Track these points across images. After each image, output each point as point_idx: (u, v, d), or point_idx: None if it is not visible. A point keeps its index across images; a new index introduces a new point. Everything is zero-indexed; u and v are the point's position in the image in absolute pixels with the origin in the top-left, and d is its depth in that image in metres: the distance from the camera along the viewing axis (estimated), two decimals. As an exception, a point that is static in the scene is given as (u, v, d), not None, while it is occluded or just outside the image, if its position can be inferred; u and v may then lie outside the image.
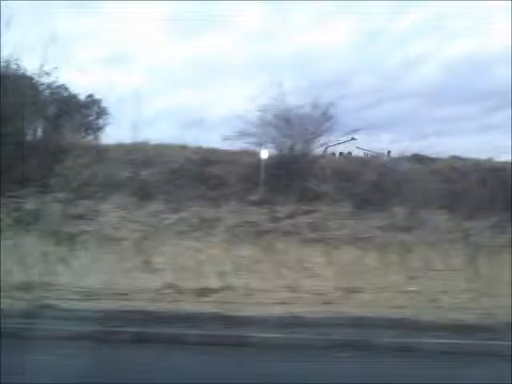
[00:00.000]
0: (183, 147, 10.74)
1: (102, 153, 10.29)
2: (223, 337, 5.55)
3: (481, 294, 7.23)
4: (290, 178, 9.75)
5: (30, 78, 11.43)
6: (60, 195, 9.15)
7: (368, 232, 8.82)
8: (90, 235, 8.48)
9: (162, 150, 10.61)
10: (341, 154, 14.23)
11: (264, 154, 10.11)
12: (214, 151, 10.69)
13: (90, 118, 15.78)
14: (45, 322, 5.67)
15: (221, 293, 7.32)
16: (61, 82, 12.41)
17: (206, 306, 6.61)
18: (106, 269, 7.69)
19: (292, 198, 9.45)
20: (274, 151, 10.46)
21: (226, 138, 10.66)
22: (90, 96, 15.46)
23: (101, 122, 15.95)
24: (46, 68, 11.04)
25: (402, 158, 10.67)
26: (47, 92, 12.27)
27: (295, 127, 10.35)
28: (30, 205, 8.96)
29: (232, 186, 9.75)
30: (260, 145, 10.46)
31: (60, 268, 7.79)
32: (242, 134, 10.42)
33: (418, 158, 10.74)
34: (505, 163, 10.41)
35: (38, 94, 11.75)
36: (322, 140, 10.81)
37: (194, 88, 34.01)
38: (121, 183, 9.52)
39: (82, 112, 15.12)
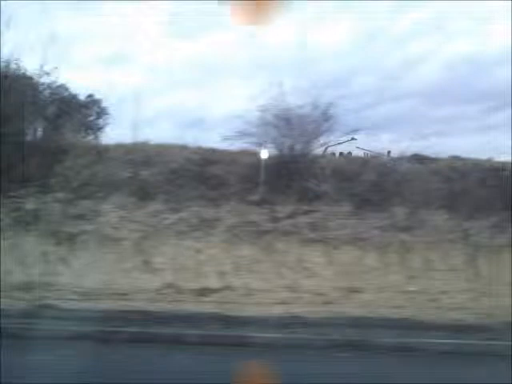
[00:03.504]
0: (183, 147, 10.75)
1: (102, 153, 10.30)
2: (223, 337, 5.55)
3: (481, 294, 7.23)
4: (290, 177, 9.75)
5: (30, 78, 11.44)
6: (60, 195, 9.14)
7: (368, 232, 8.82)
8: (90, 235, 8.48)
9: (162, 149, 10.62)
10: (341, 154, 14.25)
11: (264, 154, 10.12)
12: (213, 151, 10.70)
13: (90, 118, 15.80)
14: (45, 322, 5.66)
15: (221, 293, 7.32)
16: (61, 81, 12.46)
17: (206, 306, 6.61)
18: (106, 269, 7.69)
19: (292, 198, 9.45)
20: (274, 151, 10.47)
21: (225, 138, 10.68)
22: (90, 96, 15.50)
23: (101, 122, 16.01)
24: (46, 68, 11.09)
25: (402, 158, 10.67)
26: (47, 92, 12.27)
27: (295, 127, 10.35)
28: (29, 205, 8.95)
29: (232, 185, 9.76)
30: (260, 145, 10.48)
31: (60, 268, 7.78)
32: (242, 134, 10.44)
33: (417, 158, 10.74)
34: (505, 163, 10.43)
35: (38, 94, 11.76)
36: (322, 140, 10.85)
37: (194, 88, 34.04)
38: (121, 183, 9.52)
39: (82, 112, 15.12)
